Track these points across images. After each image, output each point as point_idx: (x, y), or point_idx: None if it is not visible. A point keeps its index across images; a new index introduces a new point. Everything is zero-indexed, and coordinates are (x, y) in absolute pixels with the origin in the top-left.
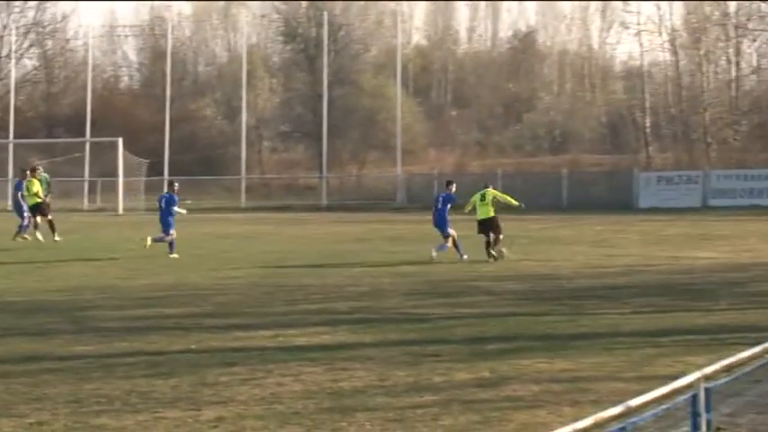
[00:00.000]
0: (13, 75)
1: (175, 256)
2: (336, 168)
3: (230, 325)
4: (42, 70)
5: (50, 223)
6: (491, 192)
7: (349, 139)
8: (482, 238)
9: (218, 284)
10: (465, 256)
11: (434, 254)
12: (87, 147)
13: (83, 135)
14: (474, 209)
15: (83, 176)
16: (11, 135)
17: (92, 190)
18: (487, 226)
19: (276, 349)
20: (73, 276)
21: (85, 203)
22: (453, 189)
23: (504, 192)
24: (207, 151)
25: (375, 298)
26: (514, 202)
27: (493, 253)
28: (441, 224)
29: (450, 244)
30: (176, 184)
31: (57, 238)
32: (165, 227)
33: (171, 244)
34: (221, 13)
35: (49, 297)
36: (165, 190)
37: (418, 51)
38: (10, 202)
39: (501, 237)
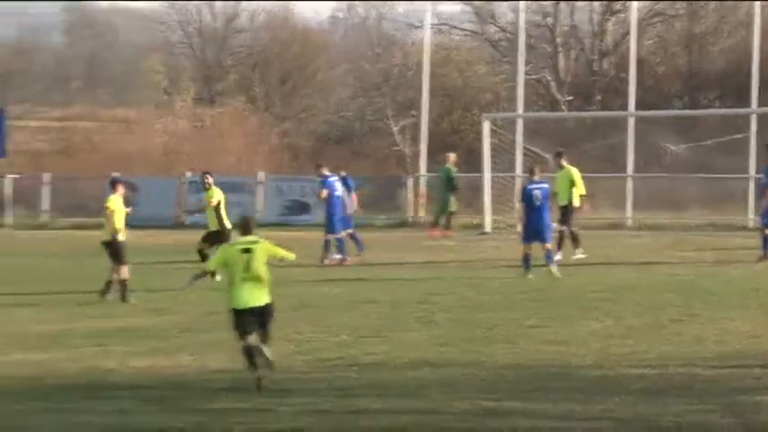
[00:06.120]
0: (635, 16)
1: None
2: None
3: None
4: None
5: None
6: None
7: None
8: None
9: None
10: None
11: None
12: (753, 123)
13: (743, 103)
14: None
15: (745, 173)
16: (631, 106)
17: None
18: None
19: None
20: (732, 336)
21: (750, 214)
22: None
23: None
24: None
25: None
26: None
27: None
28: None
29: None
30: None
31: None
32: None
33: None
34: None
35: (692, 369)
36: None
37: None
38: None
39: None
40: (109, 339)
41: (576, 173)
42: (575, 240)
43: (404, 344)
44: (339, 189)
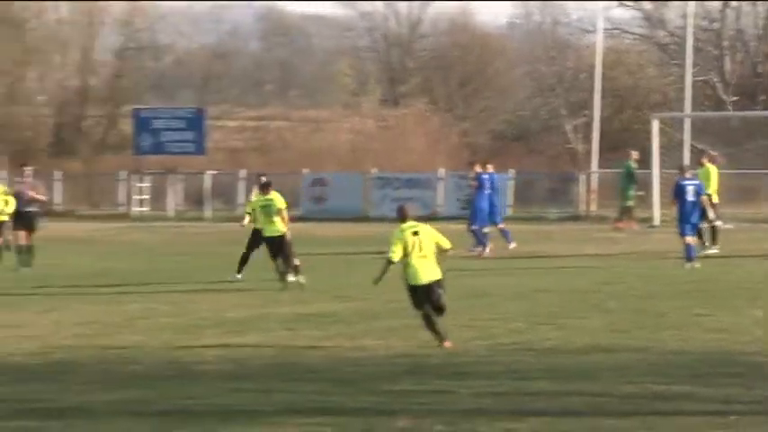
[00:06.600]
0: None
1: None
2: None
3: None
4: None
5: None
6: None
7: None
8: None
9: None
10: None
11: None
12: None
13: None
14: None
15: None
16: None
17: None
18: None
19: None
20: None
21: None
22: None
23: None
24: None
25: None
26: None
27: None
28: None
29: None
30: None
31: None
32: None
33: None
34: None
35: None
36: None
37: None
38: None
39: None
40: (298, 324)
41: (714, 172)
42: (701, 237)
43: (577, 330)
44: (488, 186)
